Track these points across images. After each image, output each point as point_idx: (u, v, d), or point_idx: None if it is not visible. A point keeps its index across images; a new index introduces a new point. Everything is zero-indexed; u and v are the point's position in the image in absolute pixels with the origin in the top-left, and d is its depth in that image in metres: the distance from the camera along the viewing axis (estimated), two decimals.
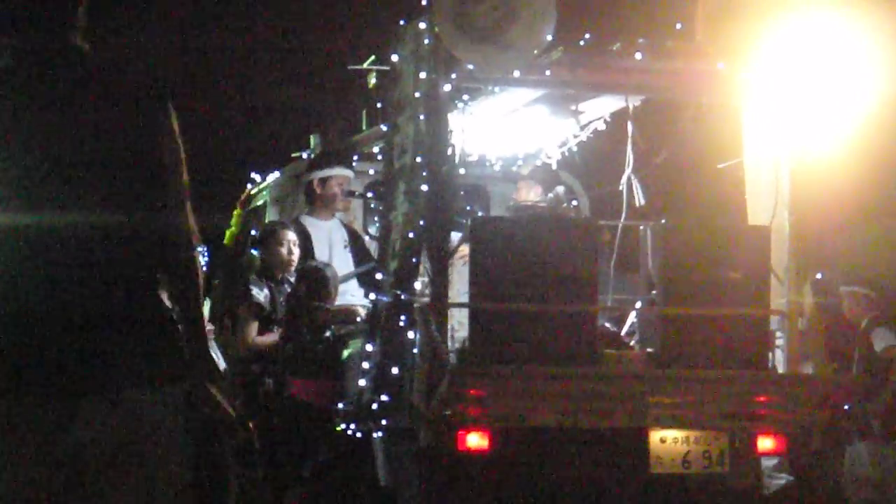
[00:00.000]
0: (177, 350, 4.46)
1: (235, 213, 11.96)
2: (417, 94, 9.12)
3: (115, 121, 4.45)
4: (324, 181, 10.79)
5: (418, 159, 9.07)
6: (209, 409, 4.65)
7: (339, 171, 10.84)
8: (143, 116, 4.48)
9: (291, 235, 10.36)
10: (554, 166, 11.28)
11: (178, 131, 4.61)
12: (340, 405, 9.62)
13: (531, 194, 11.15)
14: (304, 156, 11.54)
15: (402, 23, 9.46)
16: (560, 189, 11.03)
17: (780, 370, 9.20)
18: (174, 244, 4.50)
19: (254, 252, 10.81)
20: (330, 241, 10.77)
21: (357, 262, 10.79)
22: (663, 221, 9.77)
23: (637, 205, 10.26)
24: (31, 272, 4.34)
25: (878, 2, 9.77)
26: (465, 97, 9.40)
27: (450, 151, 9.26)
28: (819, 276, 9.61)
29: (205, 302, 10.43)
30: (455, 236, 9.69)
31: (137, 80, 4.65)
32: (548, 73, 9.15)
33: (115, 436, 4.29)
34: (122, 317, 4.36)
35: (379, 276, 9.53)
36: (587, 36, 9.16)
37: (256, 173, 12.13)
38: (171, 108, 4.61)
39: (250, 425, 8.77)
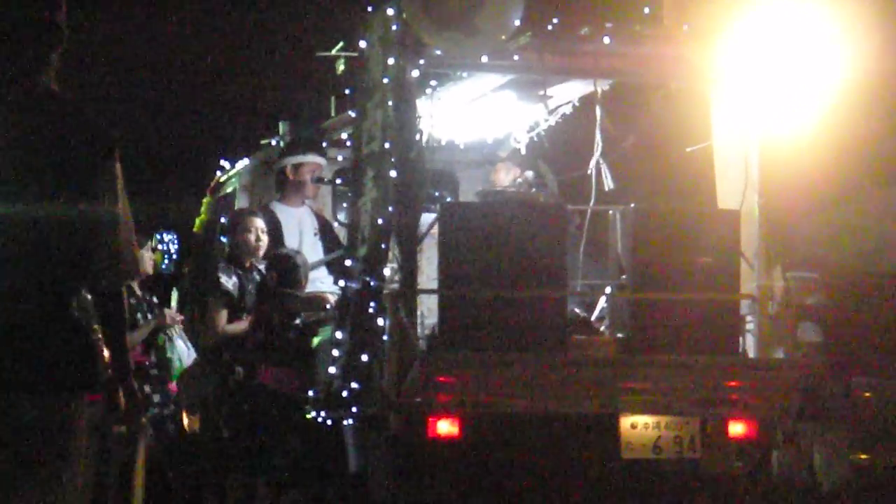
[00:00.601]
0: (86, 364, 4.79)
1: (205, 200, 12.00)
2: (386, 80, 9.08)
3: (59, 154, 4.78)
4: (297, 167, 10.79)
5: (387, 145, 9.05)
6: (125, 423, 5.33)
7: (312, 158, 10.84)
8: (85, 155, 4.79)
9: (260, 223, 10.29)
10: (523, 151, 11.23)
11: (119, 172, 4.91)
12: (311, 392, 9.61)
13: (509, 176, 11.20)
14: (274, 142, 11.59)
15: (369, 9, 9.41)
16: (529, 174, 11.09)
17: (751, 355, 9.21)
18: (100, 270, 4.81)
19: (223, 239, 10.76)
20: (300, 229, 10.75)
21: (327, 250, 10.78)
22: (632, 206, 9.52)
23: (606, 189, 10.22)
24: None
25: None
26: (434, 83, 9.43)
27: (418, 137, 9.22)
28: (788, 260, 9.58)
29: (173, 292, 10.44)
30: (427, 218, 9.60)
31: (88, 126, 4.95)
32: (516, 57, 9.11)
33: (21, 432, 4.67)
34: (34, 329, 4.71)
35: (348, 262, 9.52)
36: (555, 20, 9.08)
37: (226, 160, 12.11)
38: (115, 152, 4.95)
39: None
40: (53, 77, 4.99)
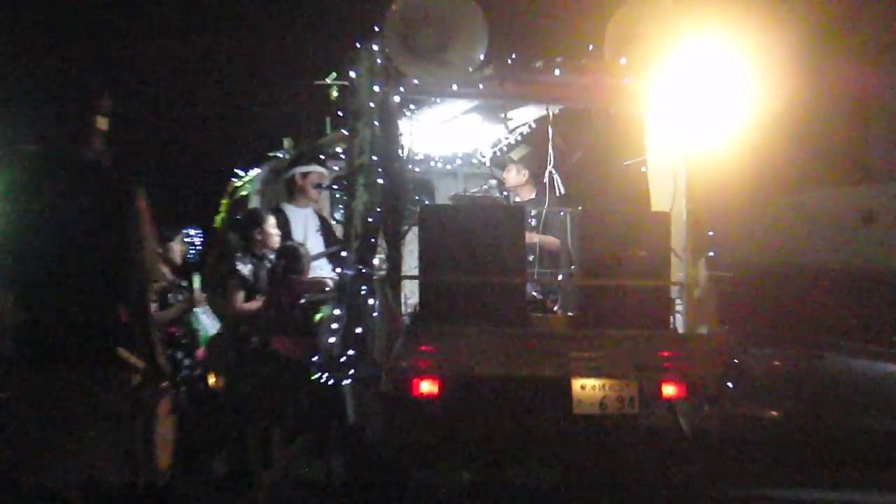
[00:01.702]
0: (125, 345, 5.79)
1: (224, 202, 12.23)
2: (372, 104, 9.65)
3: (100, 203, 5.84)
4: (304, 175, 11.37)
5: (374, 158, 9.62)
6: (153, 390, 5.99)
7: (316, 168, 11.43)
8: (113, 199, 5.86)
9: (272, 220, 10.81)
10: (487, 163, 11.80)
11: (143, 207, 5.88)
12: (315, 358, 9.99)
13: (519, 176, 11.41)
14: (280, 155, 12.07)
15: (357, 45, 9.91)
16: (493, 181, 11.54)
17: (680, 330, 9.90)
18: (129, 279, 5.84)
19: (234, 235, 11.27)
20: (305, 226, 11.30)
21: (327, 244, 11.30)
22: (580, 208, 10.24)
23: (557, 194, 10.93)
24: (40, 287, 5.80)
25: (748, 32, 10.43)
26: (412, 106, 10.02)
27: (400, 152, 9.83)
28: (712, 253, 10.09)
29: (195, 277, 11.15)
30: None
31: (116, 177, 5.96)
32: (481, 86, 9.75)
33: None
34: (88, 323, 5.76)
35: (344, 254, 10.01)
36: (513, 55, 9.72)
37: (240, 169, 12.41)
38: (137, 193, 5.89)
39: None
40: (101, 140, 6.00)
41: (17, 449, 5.78)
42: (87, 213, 5.85)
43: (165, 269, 10.50)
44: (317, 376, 10.02)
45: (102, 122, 6.03)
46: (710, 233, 10.20)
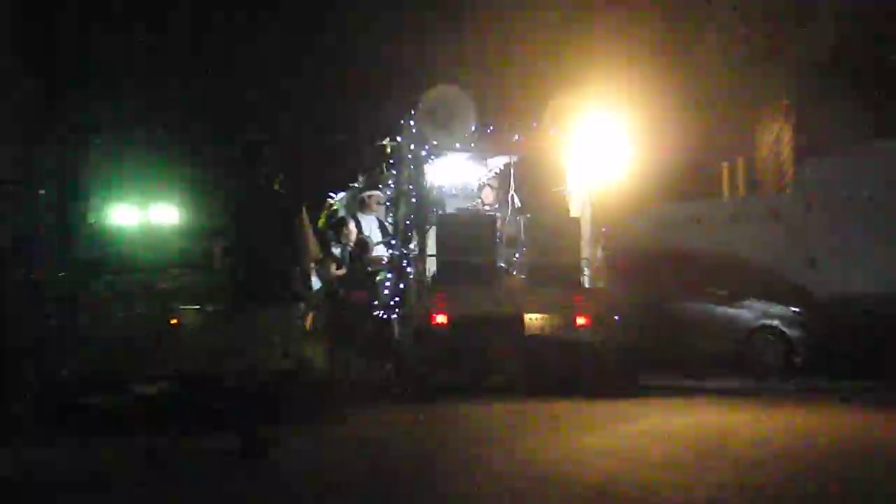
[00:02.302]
0: (296, 296, 6.67)
1: (324, 212, 12.22)
2: (409, 156, 10.58)
3: (279, 218, 6.52)
4: (369, 196, 11.66)
5: (410, 187, 10.57)
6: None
7: (376, 192, 11.71)
8: (290, 216, 6.56)
9: (352, 223, 11.22)
10: (475, 189, 11.87)
11: (306, 215, 6.49)
12: (375, 303, 10.76)
13: (491, 195, 11.42)
14: (356, 185, 12.17)
15: (402, 121, 10.83)
16: (478, 200, 11.58)
17: (586, 286, 10.71)
18: (296, 271, 6.55)
19: (330, 232, 11.53)
20: (370, 226, 11.46)
21: (383, 236, 11.47)
22: (528, 215, 11.15)
23: (516, 207, 11.57)
24: (255, 265, 6.42)
25: (630, 109, 11.09)
26: (432, 157, 10.77)
27: (425, 183, 10.70)
28: (605, 241, 10.80)
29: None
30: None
31: (288, 201, 6.63)
32: (472, 145, 10.67)
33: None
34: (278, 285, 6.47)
35: (392, 242, 10.96)
36: (490, 127, 10.73)
37: (332, 192, 12.67)
38: (304, 211, 6.57)
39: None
40: (275, 170, 6.59)
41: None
42: (274, 225, 6.51)
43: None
44: (376, 314, 10.76)
45: (277, 164, 6.68)
46: (603, 229, 10.86)
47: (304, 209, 6.61)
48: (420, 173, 10.58)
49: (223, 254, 6.97)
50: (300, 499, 5.17)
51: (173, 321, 7.93)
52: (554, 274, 10.50)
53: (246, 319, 6.45)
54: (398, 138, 10.89)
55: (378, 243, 11.38)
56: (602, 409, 8.55)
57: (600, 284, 10.71)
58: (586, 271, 10.71)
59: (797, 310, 13.24)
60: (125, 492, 5.42)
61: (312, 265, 7.04)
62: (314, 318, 8.13)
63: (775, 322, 13.16)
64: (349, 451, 6.59)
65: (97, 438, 7.29)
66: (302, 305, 6.93)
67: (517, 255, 10.96)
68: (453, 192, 12.03)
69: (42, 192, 12.96)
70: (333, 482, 5.41)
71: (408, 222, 10.44)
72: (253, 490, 5.30)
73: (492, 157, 11.38)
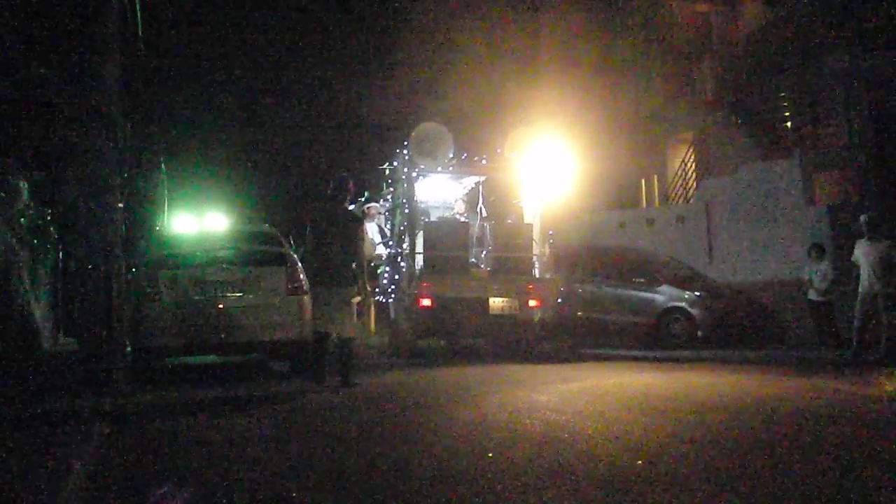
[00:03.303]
0: (353, 280, 7.00)
1: None
2: (403, 176, 10.34)
3: (349, 227, 6.92)
4: (369, 207, 11.48)
5: (404, 200, 10.29)
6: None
7: (374, 204, 11.60)
8: (355, 226, 6.96)
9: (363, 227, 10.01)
10: (453, 203, 11.66)
11: (365, 226, 6.92)
12: (377, 289, 10.70)
13: (463, 207, 11.28)
14: (363, 199, 11.73)
15: (397, 150, 10.63)
16: (454, 211, 11.45)
17: (537, 276, 10.49)
18: (354, 264, 6.91)
19: None
20: (372, 230, 11.17)
21: (382, 238, 11.32)
22: (493, 221, 11.01)
23: (483, 216, 11.54)
24: (328, 262, 6.78)
25: (571, 138, 10.83)
26: (421, 177, 10.57)
27: (415, 197, 10.42)
28: (551, 241, 10.77)
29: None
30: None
31: (353, 214, 7.14)
32: (451, 168, 10.42)
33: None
34: (343, 272, 6.86)
35: (389, 242, 10.86)
36: (464, 154, 10.53)
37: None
38: (362, 222, 7.04)
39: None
40: (349, 197, 7.10)
41: (318, 319, 7.08)
42: (344, 233, 7.04)
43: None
44: (377, 298, 10.85)
45: (351, 191, 7.21)
46: (550, 232, 10.78)
47: (364, 223, 7.04)
48: (411, 190, 10.32)
49: (303, 253, 7.25)
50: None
51: (220, 305, 7.88)
52: (512, 267, 10.30)
53: (319, 298, 6.94)
54: (394, 163, 10.74)
55: (378, 244, 11.25)
56: (549, 372, 8.34)
57: (548, 275, 10.63)
58: (537, 265, 10.58)
59: (699, 294, 13.05)
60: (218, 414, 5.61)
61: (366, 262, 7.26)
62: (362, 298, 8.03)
63: (682, 304, 12.88)
64: (358, 400, 6.55)
65: (180, 390, 7.28)
66: (355, 288, 7.06)
67: (484, 253, 10.83)
68: (436, 204, 11.87)
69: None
70: (356, 421, 5.45)
71: (402, 228, 10.26)
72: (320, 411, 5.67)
73: (465, 177, 11.22)
